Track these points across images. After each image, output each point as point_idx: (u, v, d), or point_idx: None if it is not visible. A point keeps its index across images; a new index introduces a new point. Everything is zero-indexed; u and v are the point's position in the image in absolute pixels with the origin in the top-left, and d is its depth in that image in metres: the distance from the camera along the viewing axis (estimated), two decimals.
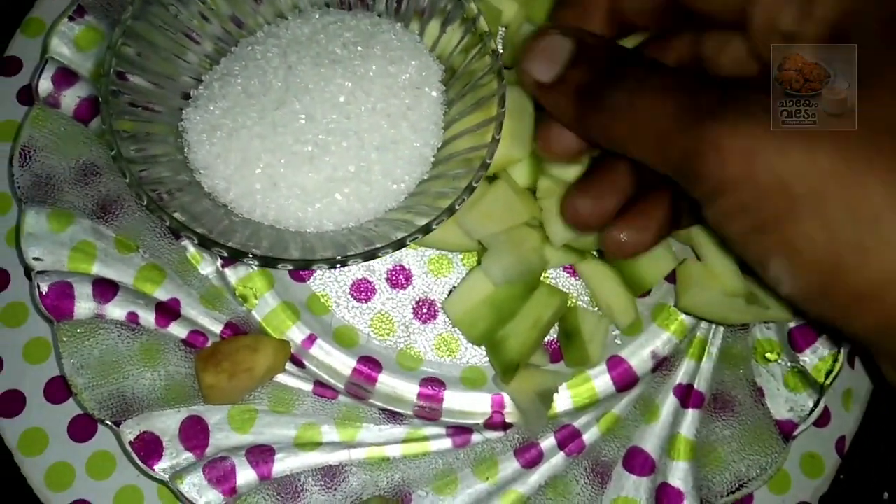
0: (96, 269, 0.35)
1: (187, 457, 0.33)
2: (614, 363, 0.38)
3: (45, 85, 0.37)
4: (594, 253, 0.38)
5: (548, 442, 0.36)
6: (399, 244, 0.31)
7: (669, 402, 0.37)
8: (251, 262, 0.30)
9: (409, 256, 0.39)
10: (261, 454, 0.34)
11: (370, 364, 0.37)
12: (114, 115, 0.32)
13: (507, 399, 0.37)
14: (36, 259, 0.35)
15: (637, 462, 0.36)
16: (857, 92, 0.21)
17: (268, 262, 0.30)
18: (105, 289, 0.35)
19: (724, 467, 0.36)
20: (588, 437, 0.36)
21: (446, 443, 0.36)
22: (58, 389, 0.37)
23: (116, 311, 0.35)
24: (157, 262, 0.37)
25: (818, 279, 0.22)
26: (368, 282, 0.39)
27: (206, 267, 0.37)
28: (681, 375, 0.38)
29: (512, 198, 0.36)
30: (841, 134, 0.21)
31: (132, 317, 0.35)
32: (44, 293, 0.34)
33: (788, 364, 0.37)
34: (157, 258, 0.37)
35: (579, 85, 0.26)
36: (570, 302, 0.38)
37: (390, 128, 0.34)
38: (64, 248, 0.35)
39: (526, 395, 0.36)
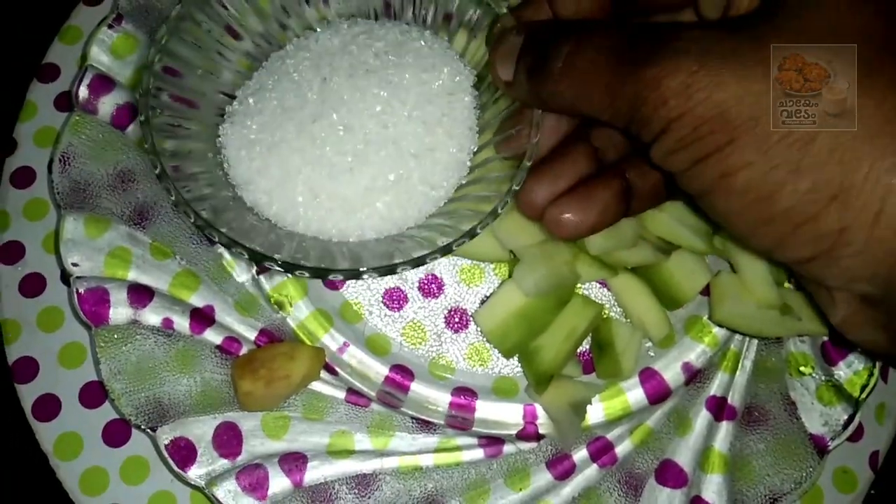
0: (132, 275, 0.36)
1: (222, 463, 0.34)
2: (647, 375, 0.38)
3: (83, 92, 0.38)
4: (627, 268, 0.38)
5: (580, 454, 0.36)
6: (446, 250, 0.31)
7: (703, 415, 0.37)
8: (303, 275, 0.30)
9: (441, 266, 0.39)
10: (294, 462, 0.34)
11: (402, 372, 0.37)
12: (156, 133, 0.32)
13: (539, 410, 0.37)
14: (74, 265, 0.35)
15: (670, 475, 0.36)
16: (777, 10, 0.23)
17: (319, 274, 0.30)
18: (141, 294, 0.35)
19: (758, 481, 0.35)
20: (621, 449, 0.36)
21: (478, 453, 0.36)
22: (92, 394, 0.37)
23: (152, 317, 0.35)
24: (193, 269, 0.37)
25: (757, 206, 0.22)
26: (401, 290, 0.39)
27: (242, 274, 0.37)
28: (714, 388, 0.37)
29: None
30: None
31: (168, 322, 0.35)
32: (82, 297, 0.34)
33: (822, 378, 0.37)
34: (193, 264, 0.37)
35: (529, 66, 0.28)
36: (603, 314, 0.38)
37: (426, 135, 0.34)
38: (101, 253, 0.36)
39: (559, 407, 0.36)
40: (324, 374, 0.36)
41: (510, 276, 0.36)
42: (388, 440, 0.35)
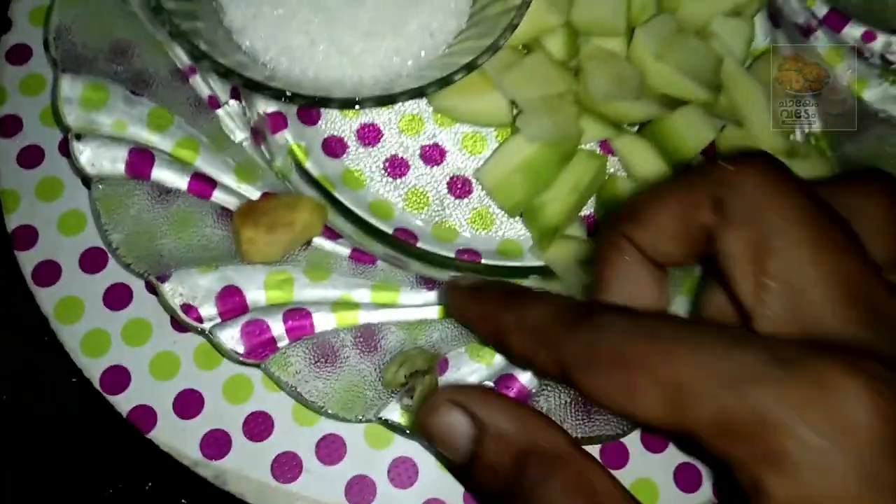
0: (132, 135, 0.35)
1: (224, 314, 0.33)
2: None
3: None
4: (630, 126, 0.38)
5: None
6: (445, 81, 0.30)
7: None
8: (297, 103, 0.30)
9: (443, 134, 0.39)
10: (298, 314, 0.34)
11: (406, 235, 0.37)
12: None
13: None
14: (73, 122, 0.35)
15: None
16: None
17: (316, 102, 0.30)
18: (142, 155, 0.35)
19: None
20: None
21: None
22: (93, 259, 0.36)
23: (153, 175, 0.35)
24: (193, 134, 0.36)
25: None
26: (402, 158, 0.39)
27: (240, 135, 0.37)
28: None
29: (549, 67, 0.36)
30: None
31: (168, 181, 0.35)
32: (81, 154, 0.34)
33: None
34: (193, 127, 0.36)
35: None
36: (606, 171, 0.38)
37: None
38: (99, 115, 0.35)
39: (565, 263, 0.36)
40: (326, 236, 0.36)
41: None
42: (393, 296, 0.35)
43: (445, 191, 0.38)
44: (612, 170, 0.39)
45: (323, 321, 0.33)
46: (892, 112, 0.40)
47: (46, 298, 0.36)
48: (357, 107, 0.30)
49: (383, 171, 0.38)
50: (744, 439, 0.17)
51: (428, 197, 0.38)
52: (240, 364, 0.33)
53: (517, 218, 0.38)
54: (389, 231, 0.37)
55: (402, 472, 0.34)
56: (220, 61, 0.30)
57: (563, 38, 0.37)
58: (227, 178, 0.36)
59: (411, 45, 0.33)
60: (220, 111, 0.37)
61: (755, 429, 0.17)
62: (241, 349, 0.32)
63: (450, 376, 0.33)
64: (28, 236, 0.37)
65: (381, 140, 0.39)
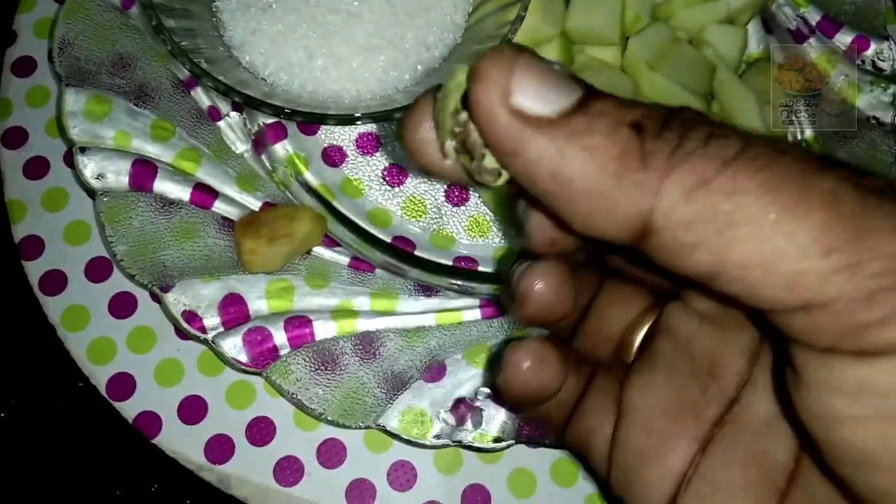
0: (136, 147, 0.36)
1: (227, 323, 0.34)
2: None
3: None
4: None
5: None
6: None
7: None
8: (296, 119, 0.30)
9: None
10: (299, 322, 0.34)
11: (404, 243, 0.38)
12: None
13: None
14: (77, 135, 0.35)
15: None
16: None
17: (313, 119, 0.31)
18: (145, 167, 0.36)
19: None
20: None
21: (478, 314, 0.36)
22: (98, 269, 0.37)
23: (155, 187, 0.35)
24: (195, 145, 0.37)
25: None
26: (400, 167, 0.39)
27: (241, 146, 0.37)
28: None
29: None
30: None
31: (171, 193, 0.36)
32: (85, 167, 0.35)
33: None
34: (194, 139, 0.37)
35: None
36: None
37: None
38: (103, 128, 0.36)
39: None
40: (327, 244, 0.37)
41: None
42: (391, 303, 0.36)
43: (443, 199, 0.39)
44: None
45: (323, 329, 0.34)
46: (883, 118, 0.40)
47: (53, 307, 0.37)
48: (352, 124, 0.31)
49: (382, 180, 0.39)
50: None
51: (426, 205, 0.39)
52: (242, 372, 0.33)
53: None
54: (388, 239, 0.38)
55: (402, 476, 0.35)
56: (220, 79, 0.30)
57: (559, 48, 0.38)
58: (229, 189, 0.37)
59: (408, 58, 0.34)
60: (221, 123, 0.37)
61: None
62: (243, 358, 0.33)
63: (447, 381, 0.34)
64: (34, 246, 0.37)
65: (380, 149, 0.39)
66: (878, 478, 0.14)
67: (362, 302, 0.36)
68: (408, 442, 0.33)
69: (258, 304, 0.35)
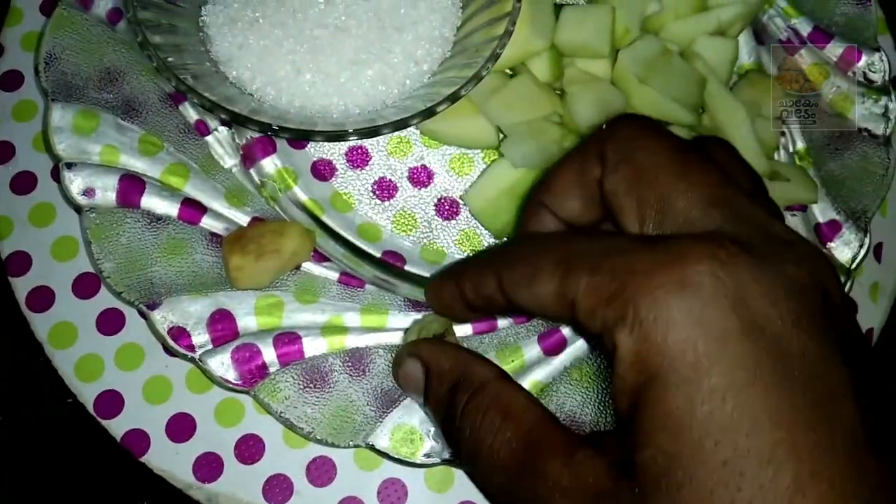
0: (123, 163, 0.36)
1: (215, 341, 0.34)
2: None
3: None
4: None
5: (570, 329, 0.36)
6: (428, 113, 0.31)
7: None
8: (283, 136, 0.30)
9: (431, 155, 0.39)
10: (288, 339, 0.34)
11: (394, 258, 0.37)
12: (137, 6, 0.32)
13: None
14: (63, 151, 0.35)
15: None
16: None
17: (300, 135, 0.31)
18: (132, 182, 0.35)
19: None
20: None
21: (469, 329, 0.36)
22: (86, 285, 0.37)
23: (142, 203, 0.35)
24: (183, 160, 0.37)
25: None
26: (390, 180, 0.39)
27: (229, 160, 0.37)
28: None
29: (534, 90, 0.37)
30: None
31: (158, 209, 0.35)
32: (72, 184, 0.34)
33: None
34: (182, 153, 0.37)
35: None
36: None
37: (409, 8, 0.34)
38: (89, 143, 0.36)
39: None
40: (316, 259, 0.36)
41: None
42: (382, 318, 0.36)
43: (433, 213, 0.39)
44: None
45: (312, 345, 0.34)
46: (874, 130, 0.40)
47: (40, 324, 0.36)
48: (341, 140, 0.31)
49: (372, 194, 0.39)
50: (605, 305, 0.20)
51: (416, 219, 0.39)
52: (229, 391, 0.33)
53: (504, 239, 0.38)
54: (378, 254, 0.38)
55: (392, 494, 0.35)
56: (206, 95, 0.30)
57: (548, 60, 0.38)
58: (217, 204, 0.36)
59: (396, 73, 0.34)
60: (209, 137, 0.37)
61: (616, 291, 0.20)
62: (231, 376, 0.32)
63: None
64: (21, 262, 0.37)
65: (370, 163, 0.39)
66: None
67: (352, 318, 0.35)
68: (398, 461, 0.33)
69: (247, 321, 0.34)
